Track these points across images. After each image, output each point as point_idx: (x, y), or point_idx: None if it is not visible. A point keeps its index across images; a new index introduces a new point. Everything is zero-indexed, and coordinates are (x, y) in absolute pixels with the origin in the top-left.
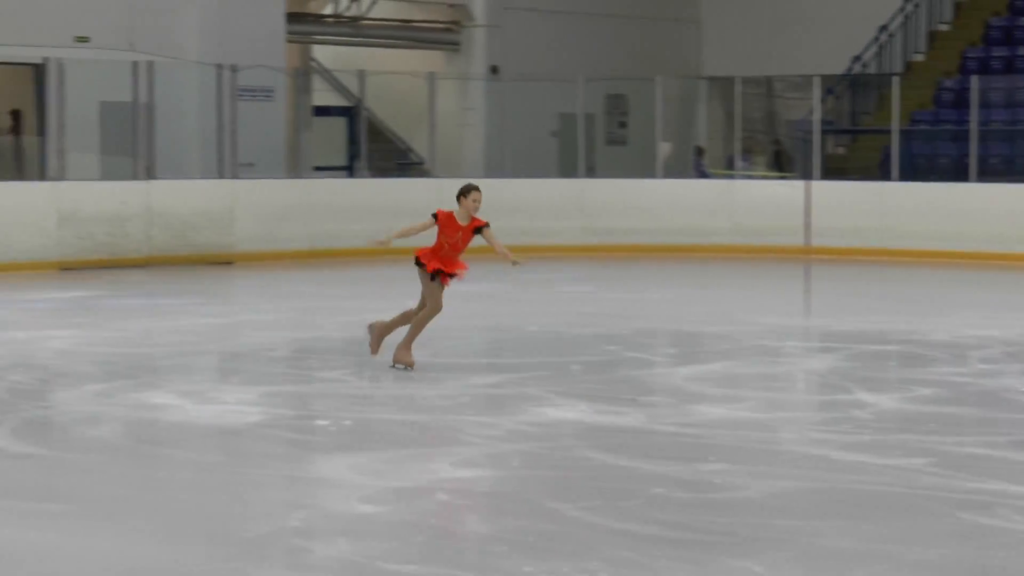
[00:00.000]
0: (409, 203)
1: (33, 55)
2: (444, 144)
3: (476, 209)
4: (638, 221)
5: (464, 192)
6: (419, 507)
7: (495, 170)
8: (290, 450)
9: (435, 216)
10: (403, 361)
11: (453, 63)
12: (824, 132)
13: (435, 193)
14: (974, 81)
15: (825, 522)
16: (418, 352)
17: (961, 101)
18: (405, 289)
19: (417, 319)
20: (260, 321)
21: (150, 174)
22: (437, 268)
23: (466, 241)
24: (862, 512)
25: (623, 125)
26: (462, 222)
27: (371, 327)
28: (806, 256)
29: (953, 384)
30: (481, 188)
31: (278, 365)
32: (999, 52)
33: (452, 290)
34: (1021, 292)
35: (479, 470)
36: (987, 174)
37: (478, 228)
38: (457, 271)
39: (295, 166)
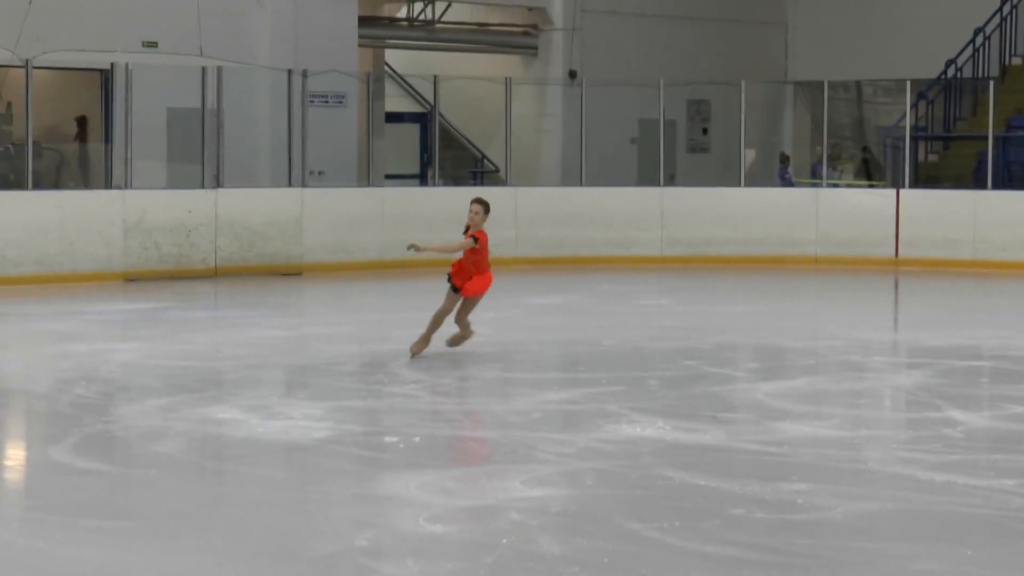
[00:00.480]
0: None
1: (100, 60)
2: (520, 151)
3: (472, 223)
4: (720, 231)
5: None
6: (490, 527)
7: (572, 178)
8: (358, 467)
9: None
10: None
11: (530, 68)
12: (915, 139)
13: (511, 202)
14: None
15: (912, 545)
16: (492, 367)
17: None
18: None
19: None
20: (328, 334)
21: (218, 182)
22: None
23: (473, 252)
24: (951, 535)
25: (705, 132)
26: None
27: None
28: (895, 268)
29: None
30: (589, 196)
31: (346, 379)
32: None
33: (526, 303)
34: None
35: (552, 488)
36: None
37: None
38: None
39: (366, 174)
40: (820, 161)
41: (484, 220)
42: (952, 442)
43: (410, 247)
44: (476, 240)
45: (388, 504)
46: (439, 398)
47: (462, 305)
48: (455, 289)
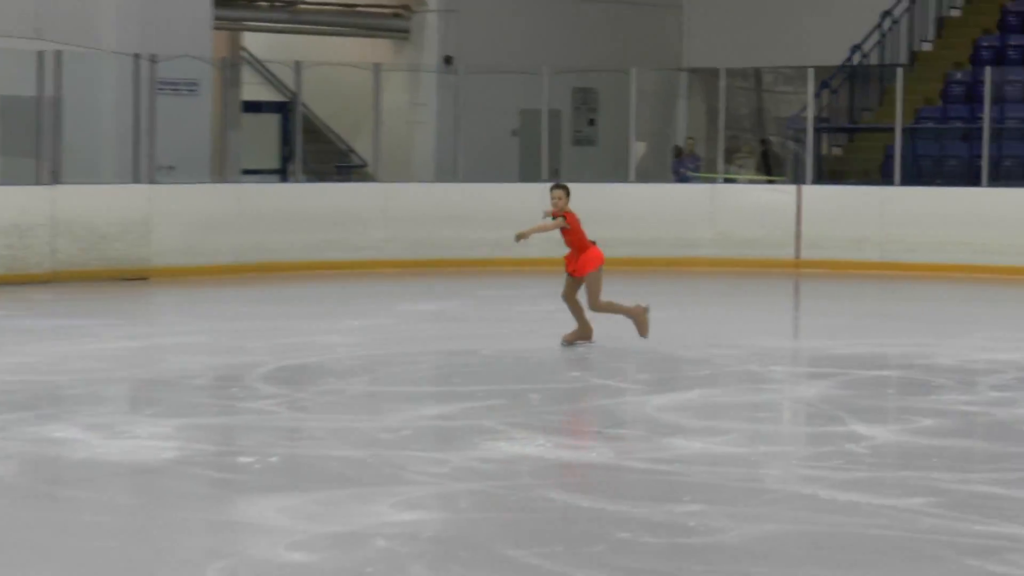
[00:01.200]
0: (350, 210)
1: None
2: (390, 144)
3: (555, 208)
4: (608, 231)
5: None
6: (356, 555)
7: (448, 174)
8: (210, 490)
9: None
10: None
11: (402, 53)
12: (819, 131)
13: (380, 200)
14: (987, 73)
15: (815, 571)
16: (358, 379)
17: (973, 96)
18: (338, 307)
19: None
20: (179, 344)
21: (55, 178)
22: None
23: (565, 232)
24: (856, 559)
25: (593, 123)
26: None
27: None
28: (797, 270)
29: (960, 414)
30: (466, 193)
31: (198, 394)
32: (1016, 41)
33: (397, 310)
34: None
35: (424, 512)
36: (1001, 177)
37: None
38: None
39: (221, 169)
40: (683, 154)
41: (568, 202)
42: (856, 458)
43: (518, 237)
44: (564, 219)
45: (244, 531)
46: (300, 414)
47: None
48: (571, 276)
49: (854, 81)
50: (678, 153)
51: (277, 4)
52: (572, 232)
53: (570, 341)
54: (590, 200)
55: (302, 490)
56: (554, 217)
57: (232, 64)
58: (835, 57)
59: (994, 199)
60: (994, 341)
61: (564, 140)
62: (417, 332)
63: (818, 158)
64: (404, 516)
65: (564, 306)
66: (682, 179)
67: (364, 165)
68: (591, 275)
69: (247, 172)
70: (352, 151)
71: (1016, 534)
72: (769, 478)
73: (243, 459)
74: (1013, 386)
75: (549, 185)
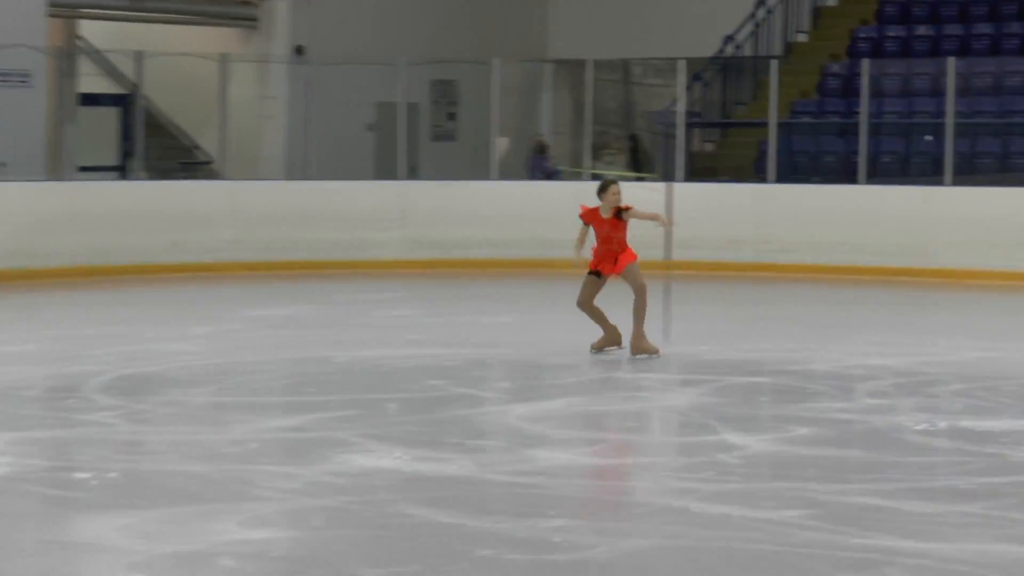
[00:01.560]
0: (195, 210)
1: None
2: (238, 140)
3: (617, 203)
4: (469, 231)
5: (602, 188)
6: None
7: (298, 171)
8: (44, 508)
9: (581, 217)
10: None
11: (250, 43)
12: (690, 125)
13: (227, 198)
14: (865, 66)
15: None
16: (203, 389)
17: (850, 89)
18: (182, 312)
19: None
20: (10, 354)
21: None
22: (594, 268)
23: (616, 230)
24: (728, 574)
25: (453, 117)
26: (604, 215)
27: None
28: (667, 272)
29: (836, 422)
30: (318, 191)
31: (30, 406)
32: (894, 32)
33: (246, 316)
34: (917, 313)
35: (274, 530)
36: (879, 174)
37: (618, 212)
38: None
39: (56, 166)
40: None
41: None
42: (729, 469)
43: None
44: (581, 217)
45: (81, 551)
46: (139, 427)
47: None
48: (597, 275)
49: (727, 74)
50: (541, 149)
51: None
52: (622, 229)
53: (600, 348)
54: (450, 199)
55: (142, 507)
56: (623, 210)
57: (68, 54)
58: (707, 48)
59: (872, 197)
60: (871, 345)
61: (422, 135)
62: (266, 339)
63: (689, 154)
64: (252, 534)
65: (421, 310)
66: (549, 175)
67: (210, 162)
68: (633, 267)
69: (84, 169)
70: (197, 147)
71: (894, 547)
72: (638, 491)
73: (79, 475)
74: (890, 393)
75: (596, 187)
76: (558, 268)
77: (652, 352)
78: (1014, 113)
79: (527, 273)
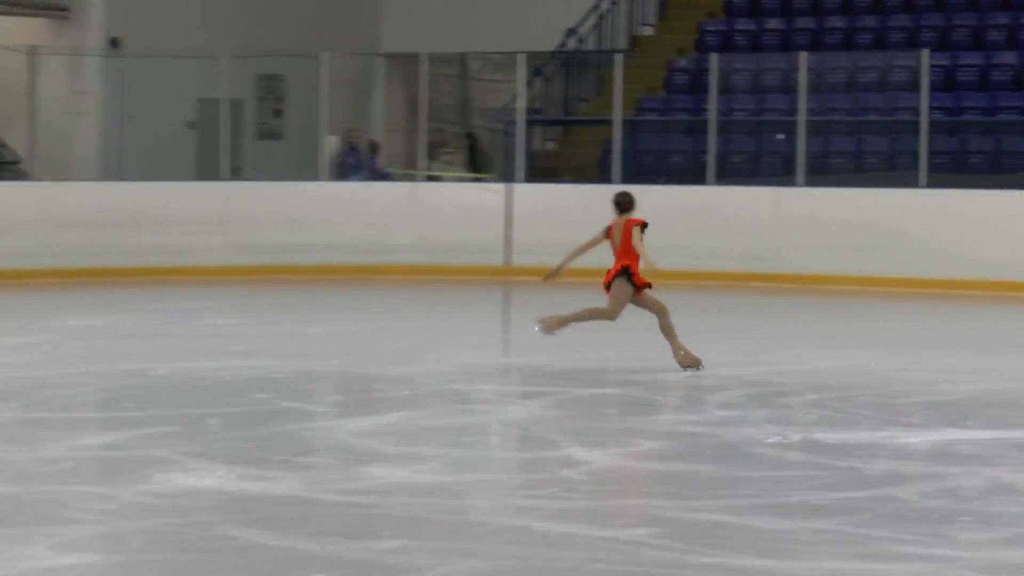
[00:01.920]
0: (2, 213)
1: None
2: (48, 138)
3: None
4: (297, 235)
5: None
6: None
7: (113, 171)
8: None
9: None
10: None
11: (62, 34)
12: (530, 123)
13: (36, 201)
14: (713, 60)
15: None
16: (10, 405)
17: (698, 85)
18: None
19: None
20: None
21: None
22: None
23: (621, 236)
24: None
25: (279, 114)
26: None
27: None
28: (507, 278)
29: (685, 436)
30: (135, 193)
31: None
32: (743, 25)
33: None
34: (767, 320)
35: (88, 555)
36: (728, 175)
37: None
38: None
39: None
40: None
41: None
42: (573, 485)
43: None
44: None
45: None
46: None
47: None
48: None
49: (569, 68)
50: (372, 149)
51: None
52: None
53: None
54: (276, 201)
55: None
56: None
57: None
58: (548, 42)
59: (721, 198)
60: (720, 355)
61: (247, 133)
62: (80, 350)
63: (530, 154)
64: (65, 559)
65: (246, 319)
66: (380, 176)
67: (18, 162)
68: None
69: None
70: (4, 145)
71: (745, 566)
72: (477, 509)
73: None
74: (741, 404)
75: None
76: (390, 274)
77: (696, 363)
78: (868, 110)
79: (358, 280)
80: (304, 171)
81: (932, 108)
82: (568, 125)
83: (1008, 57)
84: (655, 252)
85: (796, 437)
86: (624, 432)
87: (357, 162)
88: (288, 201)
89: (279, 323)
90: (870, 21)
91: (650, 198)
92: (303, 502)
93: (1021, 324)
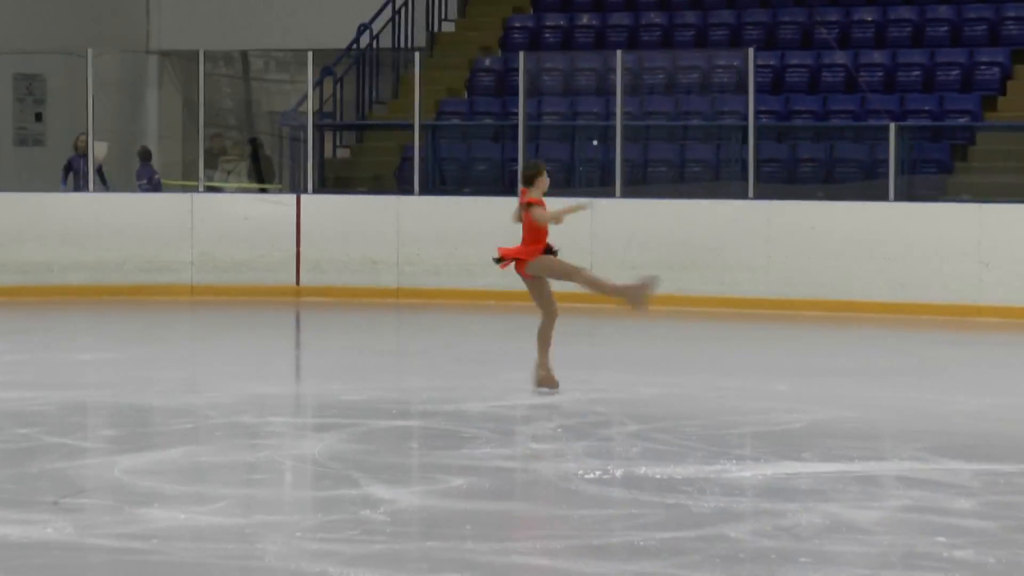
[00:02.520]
0: None
1: None
2: None
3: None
4: (59, 251)
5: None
6: None
7: None
8: None
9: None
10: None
11: None
12: (320, 127)
13: None
14: (520, 59)
15: None
16: None
17: (504, 86)
18: None
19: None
20: None
21: None
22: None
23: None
24: None
25: (39, 118)
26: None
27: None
28: (297, 299)
29: (496, 471)
30: None
31: None
32: (552, 21)
33: None
34: (585, 344)
35: None
36: None
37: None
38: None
39: None
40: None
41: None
42: (374, 527)
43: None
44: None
45: None
46: None
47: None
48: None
49: (363, 68)
50: (145, 156)
51: None
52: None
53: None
54: (34, 213)
55: None
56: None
57: None
58: (340, 39)
59: None
60: (528, 383)
61: (4, 140)
62: None
63: (320, 162)
64: None
65: (6, 345)
66: (153, 187)
67: None
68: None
69: None
70: None
71: None
72: (268, 554)
73: None
74: (557, 436)
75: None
76: (167, 295)
77: (552, 385)
78: (690, 114)
79: (132, 302)
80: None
81: (759, 112)
82: (362, 130)
83: (840, 57)
84: (462, 272)
85: (618, 472)
86: (429, 468)
87: (79, 170)
88: (51, 214)
89: (41, 350)
90: (691, 17)
91: (454, 210)
92: (73, 548)
93: (856, 347)
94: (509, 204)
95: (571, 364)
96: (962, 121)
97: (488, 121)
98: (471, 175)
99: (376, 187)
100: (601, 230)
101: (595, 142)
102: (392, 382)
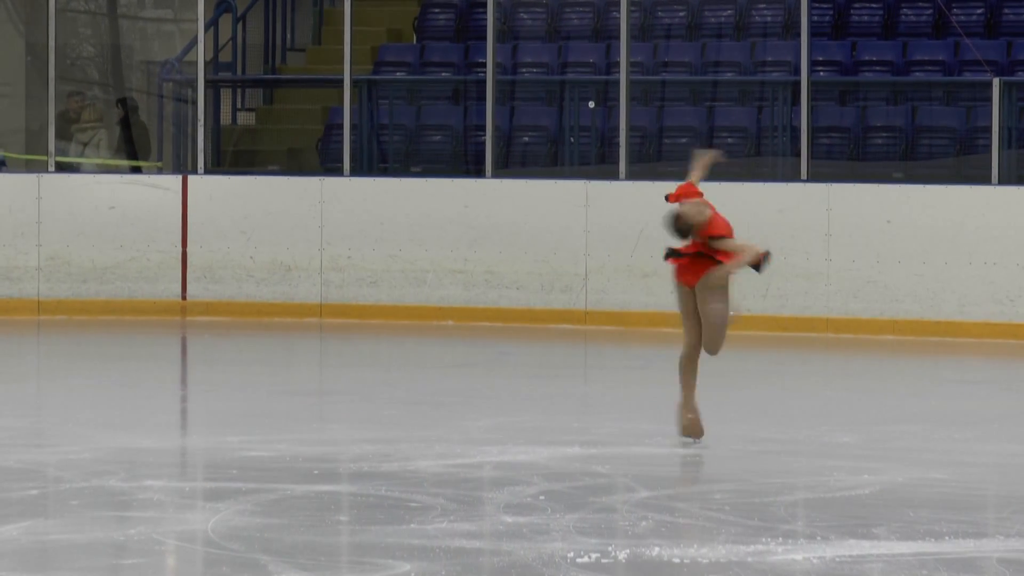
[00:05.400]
0: None
1: None
2: None
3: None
4: None
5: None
6: None
7: None
8: None
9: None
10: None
11: None
12: (215, 84)
13: None
14: None
15: None
16: None
17: (467, 28)
18: None
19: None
20: None
21: None
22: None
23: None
24: None
25: None
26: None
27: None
28: (183, 317)
29: (457, 553)
30: None
31: None
32: None
33: None
34: (585, 377)
35: None
36: (513, 163)
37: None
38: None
39: None
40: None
41: None
42: None
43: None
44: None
45: None
46: None
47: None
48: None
49: (274, 2)
50: None
51: None
52: None
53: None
54: None
55: None
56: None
57: None
58: None
59: (506, 194)
60: (501, 431)
61: None
62: None
63: (216, 131)
64: None
65: None
66: None
67: None
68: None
69: None
70: None
71: None
72: None
73: None
74: (540, 506)
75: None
76: (12, 313)
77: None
78: (722, 66)
79: None
80: None
81: (815, 64)
82: (273, 88)
83: None
84: (408, 281)
85: (622, 554)
86: (363, 549)
87: None
88: None
89: None
90: None
91: (397, 197)
92: None
93: (947, 383)
94: (472, 187)
95: (559, 407)
96: None
97: (445, 75)
98: (421, 148)
99: (291, 165)
100: (599, 223)
101: (591, 104)
102: (312, 432)
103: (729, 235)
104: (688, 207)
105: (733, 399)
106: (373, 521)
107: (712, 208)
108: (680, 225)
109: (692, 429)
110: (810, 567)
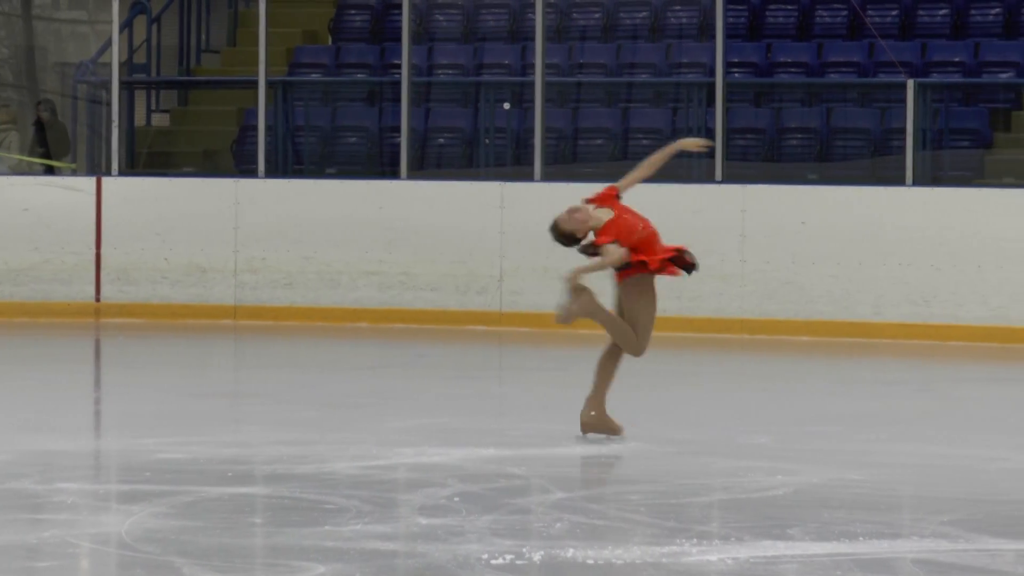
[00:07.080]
0: None
1: None
2: None
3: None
4: None
5: None
6: None
7: None
8: None
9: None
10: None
11: None
12: (130, 85)
13: None
14: None
15: None
16: None
17: (383, 29)
18: None
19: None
20: None
21: None
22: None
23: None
24: None
25: None
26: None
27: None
28: (97, 319)
29: (371, 555)
30: None
31: None
32: None
33: None
34: (500, 378)
35: None
36: (429, 164)
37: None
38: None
39: None
40: None
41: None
42: None
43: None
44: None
45: None
46: None
47: None
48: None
49: (189, 3)
50: None
51: None
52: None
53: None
54: None
55: None
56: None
57: None
58: None
59: (420, 196)
60: (416, 433)
61: None
62: None
63: (130, 132)
64: None
65: None
66: None
67: None
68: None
69: None
70: None
71: None
72: None
73: None
74: (455, 508)
75: None
76: None
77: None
78: (637, 67)
79: None
80: None
81: (730, 65)
82: (187, 89)
83: None
84: (323, 283)
85: (536, 556)
86: (280, 551)
87: None
88: None
89: None
90: None
91: (312, 198)
92: None
93: (862, 384)
94: (387, 189)
95: (475, 408)
96: (1005, 77)
97: (360, 76)
98: (336, 150)
99: (206, 167)
100: (514, 225)
101: (506, 105)
102: (227, 435)
103: (627, 240)
104: (562, 215)
105: (648, 400)
106: (288, 523)
107: (622, 211)
108: (556, 234)
109: (596, 426)
110: (725, 568)
